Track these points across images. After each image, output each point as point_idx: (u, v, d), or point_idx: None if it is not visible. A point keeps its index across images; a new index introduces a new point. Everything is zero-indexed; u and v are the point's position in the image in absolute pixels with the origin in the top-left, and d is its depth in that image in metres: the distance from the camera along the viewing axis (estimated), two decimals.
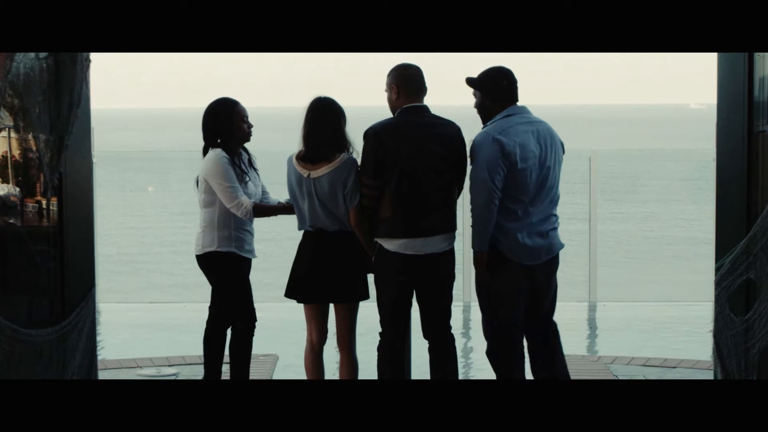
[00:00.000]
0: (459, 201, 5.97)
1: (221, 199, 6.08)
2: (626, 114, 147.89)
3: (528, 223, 5.70)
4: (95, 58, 5.44)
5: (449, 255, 5.86)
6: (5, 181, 5.29)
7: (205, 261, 6.22)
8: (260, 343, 6.53)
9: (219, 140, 6.18)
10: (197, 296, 9.98)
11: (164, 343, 8.56)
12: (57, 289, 5.53)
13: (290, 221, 6.18)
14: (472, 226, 5.74)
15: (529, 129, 5.72)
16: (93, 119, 5.97)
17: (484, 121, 5.83)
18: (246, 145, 6.32)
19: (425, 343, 6.00)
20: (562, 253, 5.97)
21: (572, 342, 7.93)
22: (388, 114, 5.91)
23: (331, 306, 6.05)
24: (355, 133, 5.91)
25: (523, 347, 5.92)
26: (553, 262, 5.88)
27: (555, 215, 5.85)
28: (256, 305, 6.32)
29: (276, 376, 7.46)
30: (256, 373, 7.19)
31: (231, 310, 6.26)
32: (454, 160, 5.81)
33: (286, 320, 8.85)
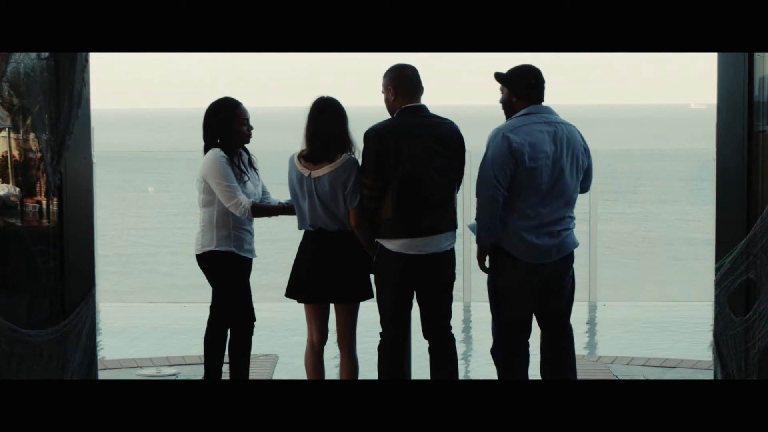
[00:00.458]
0: (459, 201, 5.97)
1: (220, 199, 6.08)
2: (626, 114, 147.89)
3: (538, 223, 5.68)
4: (95, 58, 5.45)
5: (450, 255, 5.87)
6: (5, 181, 5.29)
7: (205, 260, 6.23)
8: (260, 343, 6.54)
9: (218, 140, 6.18)
10: (197, 297, 9.98)
11: (164, 343, 8.56)
12: (57, 289, 5.53)
13: (288, 222, 6.18)
14: (476, 220, 5.75)
15: (545, 129, 5.70)
16: (93, 119, 5.97)
17: (508, 116, 5.84)
18: (246, 145, 6.31)
19: (425, 343, 6.00)
20: None
21: None
22: (387, 114, 5.92)
23: (332, 306, 6.05)
24: (355, 134, 5.91)
25: (528, 346, 5.91)
26: (566, 262, 5.83)
27: (570, 216, 5.80)
28: (255, 305, 6.32)
29: (276, 376, 7.46)
30: (256, 373, 7.20)
31: (230, 310, 6.26)
32: (455, 159, 5.82)
33: (286, 320, 8.86)
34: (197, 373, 7.26)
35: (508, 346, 5.87)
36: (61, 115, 5.30)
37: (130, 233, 19.89)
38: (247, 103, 6.33)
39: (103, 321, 9.36)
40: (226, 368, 6.45)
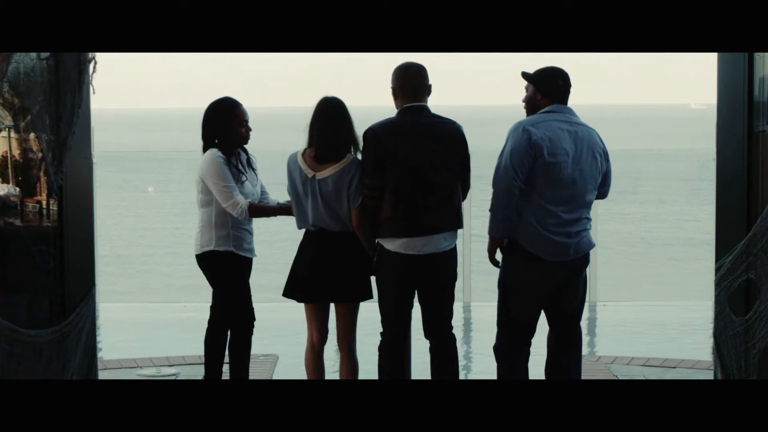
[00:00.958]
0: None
1: (217, 199, 6.08)
2: (626, 114, 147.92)
3: (556, 221, 5.67)
4: (98, 58, 5.44)
5: (450, 254, 5.86)
6: (5, 181, 5.29)
7: (204, 261, 6.23)
8: (260, 343, 6.54)
9: (216, 141, 6.18)
10: (197, 297, 9.98)
11: (164, 343, 8.56)
12: (57, 289, 5.53)
13: (288, 222, 6.18)
14: (490, 211, 5.74)
15: (565, 128, 5.70)
16: (93, 119, 5.97)
17: (529, 115, 5.84)
18: (245, 145, 6.31)
19: (425, 343, 6.00)
20: None
21: None
22: (387, 114, 5.92)
23: (332, 306, 6.05)
24: (358, 134, 5.91)
25: (530, 346, 5.91)
26: (581, 262, 5.82)
27: (587, 218, 5.79)
28: (255, 306, 6.32)
29: (276, 376, 7.46)
30: (256, 373, 7.20)
31: (230, 310, 6.26)
32: (455, 158, 5.80)
33: (286, 320, 8.85)
34: (197, 373, 7.26)
35: (511, 345, 5.86)
36: (63, 116, 5.30)
37: (130, 233, 19.90)
38: (246, 104, 6.33)
39: (103, 321, 9.36)
40: (226, 368, 6.45)
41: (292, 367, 7.47)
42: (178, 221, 19.30)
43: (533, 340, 5.92)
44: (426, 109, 5.84)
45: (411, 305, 5.94)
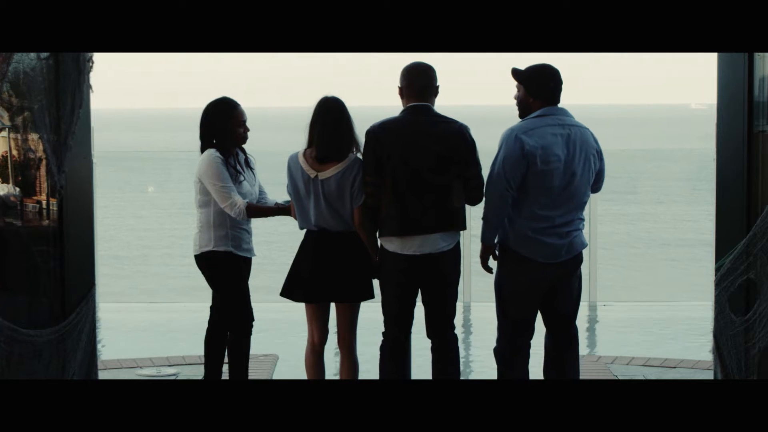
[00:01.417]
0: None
1: (215, 199, 6.08)
2: (626, 114, 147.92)
3: (548, 225, 5.67)
4: (97, 58, 5.44)
5: (450, 255, 5.84)
6: (5, 181, 5.29)
7: (203, 261, 6.22)
8: (260, 343, 6.53)
9: (214, 141, 6.18)
10: (196, 297, 9.98)
11: (164, 343, 8.56)
12: (57, 289, 5.52)
13: (286, 222, 6.17)
14: (483, 219, 5.74)
15: (558, 132, 5.69)
16: (93, 119, 5.97)
17: (521, 115, 5.82)
18: (243, 145, 6.31)
19: (426, 343, 6.00)
20: None
21: None
22: (387, 114, 5.93)
23: (333, 306, 6.04)
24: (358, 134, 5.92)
25: (529, 347, 5.91)
26: (574, 262, 5.82)
27: (580, 218, 5.78)
28: (255, 306, 6.32)
29: (276, 376, 7.46)
30: (256, 373, 7.20)
31: (229, 310, 6.26)
32: (455, 158, 5.78)
33: (286, 320, 8.85)
34: (197, 373, 7.26)
35: (509, 346, 5.87)
36: (63, 116, 5.30)
37: (129, 234, 19.88)
38: (244, 103, 6.32)
39: (103, 321, 9.36)
40: (226, 368, 6.45)
41: (292, 367, 7.47)
42: (178, 221, 19.29)
43: (533, 342, 5.92)
44: (430, 109, 5.83)
45: (413, 305, 5.93)
